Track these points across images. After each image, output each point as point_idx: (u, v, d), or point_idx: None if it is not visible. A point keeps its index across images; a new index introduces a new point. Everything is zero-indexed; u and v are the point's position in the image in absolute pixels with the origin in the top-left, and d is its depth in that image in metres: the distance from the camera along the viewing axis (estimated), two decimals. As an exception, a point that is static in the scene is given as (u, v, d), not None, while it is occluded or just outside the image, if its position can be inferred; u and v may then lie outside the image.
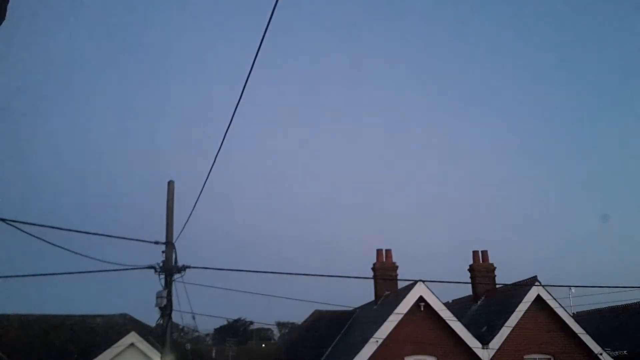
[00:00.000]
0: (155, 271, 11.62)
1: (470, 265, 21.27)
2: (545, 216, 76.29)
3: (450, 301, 23.42)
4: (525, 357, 17.50)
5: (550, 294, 18.10)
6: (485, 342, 16.99)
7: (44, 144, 76.32)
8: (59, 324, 19.37)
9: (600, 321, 22.75)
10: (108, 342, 17.14)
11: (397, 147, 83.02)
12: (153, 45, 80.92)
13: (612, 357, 17.94)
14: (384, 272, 20.96)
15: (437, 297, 17.44)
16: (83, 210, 69.77)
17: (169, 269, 11.67)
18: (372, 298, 21.39)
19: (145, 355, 16.86)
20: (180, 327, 33.33)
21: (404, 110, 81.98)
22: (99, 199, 76.56)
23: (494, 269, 21.10)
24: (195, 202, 12.47)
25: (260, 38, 6.11)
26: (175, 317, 12.19)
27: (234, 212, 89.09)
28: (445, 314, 17.20)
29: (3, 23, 3.75)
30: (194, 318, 13.75)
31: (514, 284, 19.42)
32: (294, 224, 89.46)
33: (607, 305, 23.74)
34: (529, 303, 17.75)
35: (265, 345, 49.23)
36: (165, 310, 11.49)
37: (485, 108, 79.21)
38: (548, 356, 17.81)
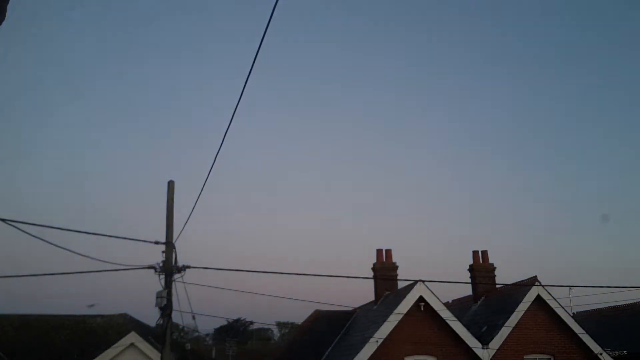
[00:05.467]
0: (155, 271, 11.60)
1: (470, 265, 21.27)
2: (545, 216, 76.21)
3: (450, 301, 23.43)
4: (525, 357, 17.49)
5: (550, 294, 18.09)
6: (485, 342, 16.99)
7: (44, 144, 76.28)
8: (59, 324, 19.37)
9: (600, 321, 22.74)
10: (108, 342, 17.14)
11: (397, 147, 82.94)
12: (154, 45, 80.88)
13: (612, 357, 17.93)
14: (384, 272, 20.95)
15: (437, 297, 17.44)
16: (83, 210, 69.69)
17: (169, 269, 11.66)
18: (372, 298, 21.38)
19: (145, 355, 16.85)
20: (180, 327, 33.30)
21: (404, 111, 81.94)
22: (99, 199, 76.45)
23: (494, 269, 21.10)
24: (195, 202, 12.47)
25: (261, 37, 6.11)
26: (175, 317, 12.19)
27: (234, 212, 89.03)
28: (445, 314, 17.19)
29: (3, 23, 3.74)
30: (194, 318, 13.75)
31: (514, 284, 19.42)
32: (294, 224, 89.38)
33: (607, 305, 23.76)
34: (529, 303, 17.75)
35: (265, 345, 49.18)
36: (165, 310, 11.48)
37: (484, 108, 79.15)
38: (548, 356, 17.81)
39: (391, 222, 74.16)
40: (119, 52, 77.32)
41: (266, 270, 12.75)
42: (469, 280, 21.27)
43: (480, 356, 16.70)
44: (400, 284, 20.00)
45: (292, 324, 50.78)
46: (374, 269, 21.41)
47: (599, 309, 24.15)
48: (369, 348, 16.10)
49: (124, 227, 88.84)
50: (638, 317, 21.71)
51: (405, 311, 16.86)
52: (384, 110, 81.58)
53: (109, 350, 16.57)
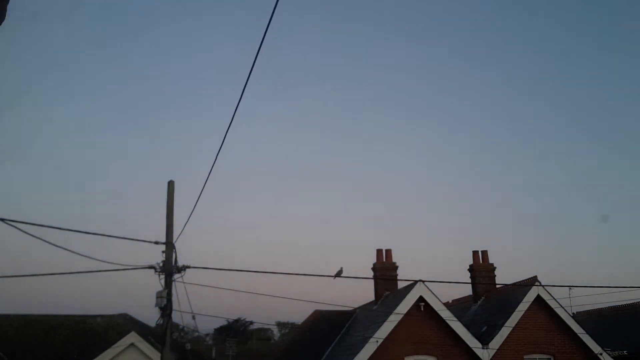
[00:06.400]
0: (155, 271, 11.61)
1: (470, 266, 21.28)
2: (545, 216, 76.18)
3: (450, 301, 23.44)
4: (525, 357, 17.50)
5: (550, 294, 18.10)
6: (485, 342, 17.00)
7: (44, 144, 76.29)
8: (59, 324, 19.39)
9: (600, 321, 22.76)
10: (108, 342, 17.15)
11: (397, 146, 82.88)
12: (154, 45, 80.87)
13: (612, 357, 17.94)
14: (384, 272, 20.96)
15: (437, 297, 17.45)
16: (83, 210, 69.63)
17: (169, 269, 11.67)
18: (372, 298, 21.39)
19: (145, 355, 16.86)
20: (180, 327, 33.30)
21: (404, 110, 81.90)
22: (99, 199, 76.41)
23: (494, 269, 21.12)
24: (196, 202, 12.47)
25: (261, 37, 6.12)
26: (175, 317, 12.19)
27: (234, 212, 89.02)
28: (445, 314, 17.20)
29: (3, 23, 3.74)
30: (194, 318, 13.74)
31: (514, 284, 19.43)
32: (294, 223, 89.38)
33: (607, 305, 23.77)
34: (529, 303, 17.76)
35: (265, 345, 49.18)
36: (165, 310, 11.49)
37: (484, 108, 79.13)
38: (548, 356, 17.81)
39: (391, 222, 74.17)
40: (118, 52, 77.35)
41: (266, 270, 12.77)
42: (469, 280, 21.29)
43: (480, 356, 16.71)
44: (400, 284, 20.01)
45: (292, 324, 50.79)
46: (374, 269, 21.43)
47: (599, 309, 24.17)
48: (369, 348, 16.10)
49: (124, 227, 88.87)
50: (638, 317, 21.73)
51: (405, 311, 16.86)
52: (385, 110, 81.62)
53: (109, 350, 16.58)
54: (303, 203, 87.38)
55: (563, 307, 18.30)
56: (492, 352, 16.79)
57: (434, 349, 16.97)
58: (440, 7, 79.33)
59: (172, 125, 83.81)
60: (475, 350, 16.78)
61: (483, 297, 21.13)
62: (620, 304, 22.69)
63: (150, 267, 11.59)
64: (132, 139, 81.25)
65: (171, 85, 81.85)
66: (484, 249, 21.36)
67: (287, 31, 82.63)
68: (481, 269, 21.07)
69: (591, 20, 77.27)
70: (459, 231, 74.20)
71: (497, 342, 16.95)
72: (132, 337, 16.89)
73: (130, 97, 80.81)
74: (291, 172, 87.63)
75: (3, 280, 10.37)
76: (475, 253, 21.31)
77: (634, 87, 73.64)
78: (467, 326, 17.55)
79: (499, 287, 20.84)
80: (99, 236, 10.61)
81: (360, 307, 22.43)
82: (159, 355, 12.55)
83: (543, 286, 18.05)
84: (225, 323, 49.51)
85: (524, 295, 17.91)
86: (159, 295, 11.46)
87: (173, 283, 11.70)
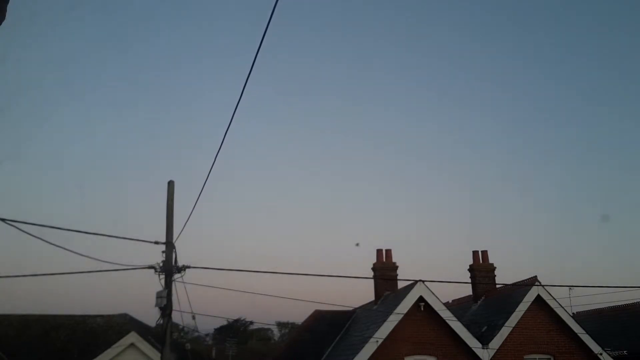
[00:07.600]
0: (155, 271, 11.61)
1: (470, 266, 21.28)
2: (545, 216, 76.16)
3: (450, 301, 23.45)
4: (525, 357, 17.50)
5: (550, 294, 18.10)
6: (485, 342, 17.00)
7: (44, 144, 76.28)
8: (59, 324, 19.39)
9: (600, 321, 22.76)
10: (108, 342, 17.16)
11: (397, 146, 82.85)
12: (153, 45, 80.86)
13: (612, 357, 17.94)
14: (384, 272, 20.97)
15: (437, 297, 17.45)
16: (83, 210, 69.64)
17: (169, 269, 11.67)
18: (372, 298, 21.39)
19: (145, 355, 16.87)
20: (180, 327, 33.30)
21: (403, 111, 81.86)
22: (99, 199, 76.40)
23: (494, 269, 21.12)
24: (196, 202, 12.48)
25: (261, 37, 6.12)
26: (175, 317, 12.20)
27: (234, 212, 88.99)
28: (445, 314, 17.20)
29: (3, 23, 3.74)
30: (194, 318, 13.74)
31: (514, 284, 19.44)
32: (294, 223, 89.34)
33: (607, 305, 23.77)
34: (529, 303, 17.76)
35: (265, 345, 49.19)
36: (165, 310, 11.49)
37: (484, 109, 79.12)
38: (548, 356, 17.82)
39: (391, 222, 74.15)
40: (119, 52, 77.33)
41: (266, 270, 12.77)
42: (469, 280, 21.29)
43: (480, 356, 16.71)
44: (400, 284, 20.02)
45: (292, 324, 50.80)
46: (374, 269, 21.43)
47: (599, 309, 24.17)
48: (369, 348, 16.10)
49: (124, 227, 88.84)
50: (638, 317, 21.72)
51: (405, 311, 16.86)
52: (383, 111, 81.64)
53: (109, 350, 16.59)
54: (303, 203, 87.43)
55: (563, 307, 18.30)
56: (492, 352, 16.79)
57: (434, 349, 16.97)
58: (439, 10, 79.39)
59: (172, 125, 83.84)
60: (475, 350, 16.78)
61: (483, 297, 21.13)
62: (620, 304, 22.69)
63: (150, 267, 11.59)
64: (132, 139, 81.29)
65: (171, 85, 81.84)
66: (484, 249, 21.39)
67: (288, 32, 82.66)
68: (481, 269, 21.07)
69: (590, 20, 77.32)
70: (459, 231, 74.24)
71: (497, 342, 16.95)
72: (132, 337, 16.90)
73: (130, 97, 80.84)
74: (291, 172, 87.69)
75: (3, 280, 10.38)
76: (475, 253, 21.31)
77: (634, 87, 73.65)
78: (467, 326, 17.56)
79: (499, 287, 20.84)
80: (99, 236, 10.63)
81: (360, 307, 22.44)
82: (159, 355, 12.55)
83: (543, 286, 18.05)
84: (225, 323, 49.56)
85: (524, 295, 17.90)
86: (159, 295, 11.46)
87: (173, 283, 11.70)
